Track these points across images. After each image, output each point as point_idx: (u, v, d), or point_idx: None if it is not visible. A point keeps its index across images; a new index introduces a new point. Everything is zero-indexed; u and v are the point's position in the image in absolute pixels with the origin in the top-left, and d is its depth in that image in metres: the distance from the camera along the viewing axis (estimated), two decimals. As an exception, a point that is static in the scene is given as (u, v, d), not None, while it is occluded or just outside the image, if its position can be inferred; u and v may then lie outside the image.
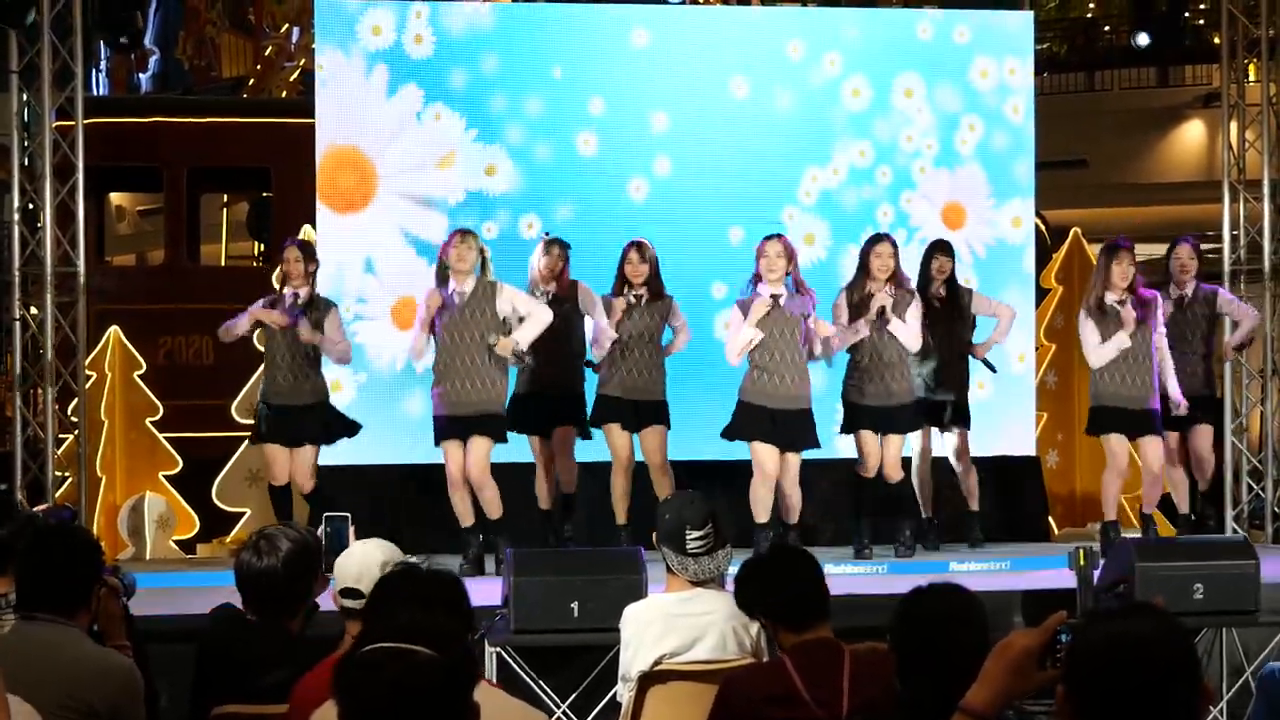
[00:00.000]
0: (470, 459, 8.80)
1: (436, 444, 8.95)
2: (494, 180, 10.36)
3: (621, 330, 9.13)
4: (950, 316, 9.69)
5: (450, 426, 8.82)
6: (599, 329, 9.20)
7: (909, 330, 9.17)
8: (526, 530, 9.24)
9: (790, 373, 8.84)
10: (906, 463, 9.48)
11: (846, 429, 9.33)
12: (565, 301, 9.21)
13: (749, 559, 4.77)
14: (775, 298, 8.80)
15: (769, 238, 8.98)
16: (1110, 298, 9.20)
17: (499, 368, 8.82)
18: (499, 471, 8.98)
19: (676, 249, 9.86)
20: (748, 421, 8.90)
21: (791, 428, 8.86)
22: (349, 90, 10.26)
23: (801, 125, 10.66)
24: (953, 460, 9.91)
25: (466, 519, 8.89)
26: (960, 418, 9.82)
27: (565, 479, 9.36)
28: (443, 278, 8.85)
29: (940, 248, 9.80)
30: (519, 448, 9.39)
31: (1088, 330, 9.27)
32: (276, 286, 9.38)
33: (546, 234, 9.45)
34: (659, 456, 9.14)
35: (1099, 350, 9.21)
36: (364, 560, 4.38)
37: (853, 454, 9.39)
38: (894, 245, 9.26)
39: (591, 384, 9.41)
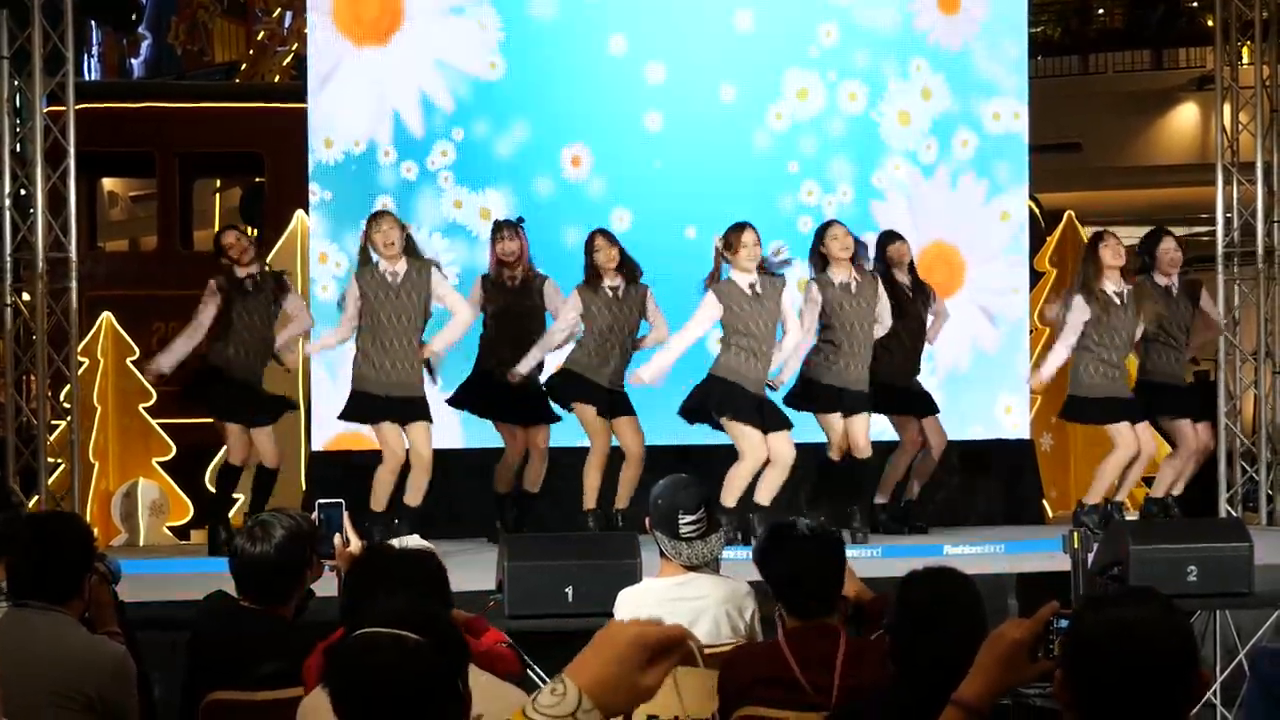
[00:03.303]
0: (420, 445, 8.73)
1: (362, 421, 8.82)
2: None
3: (599, 323, 9.00)
4: (918, 304, 9.65)
5: (384, 406, 8.71)
6: (555, 330, 9.09)
7: (885, 314, 9.23)
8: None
9: (765, 361, 8.81)
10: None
11: (808, 407, 9.19)
12: (531, 291, 9.13)
13: (777, 524, 4.68)
14: (751, 286, 8.72)
15: (740, 227, 8.78)
16: (1109, 286, 9.19)
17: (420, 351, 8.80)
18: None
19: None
20: (729, 397, 8.72)
21: (771, 409, 8.82)
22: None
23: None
24: (935, 447, 9.79)
25: (382, 503, 8.73)
26: (932, 404, 9.80)
27: (534, 477, 9.28)
28: (365, 259, 8.74)
29: (895, 235, 9.74)
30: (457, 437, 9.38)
31: (1077, 315, 9.23)
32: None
33: (496, 220, 9.33)
34: (640, 446, 9.06)
35: (1063, 343, 9.24)
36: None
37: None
38: (845, 227, 9.19)
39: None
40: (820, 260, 9.14)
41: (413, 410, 8.75)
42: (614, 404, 9.08)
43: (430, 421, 8.82)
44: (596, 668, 2.08)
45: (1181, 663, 2.47)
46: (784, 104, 10.50)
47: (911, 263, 9.71)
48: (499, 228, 9.19)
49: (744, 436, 8.77)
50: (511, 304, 9.13)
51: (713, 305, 8.75)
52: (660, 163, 10.35)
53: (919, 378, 9.83)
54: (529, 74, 10.27)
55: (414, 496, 8.78)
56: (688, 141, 10.37)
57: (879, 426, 9.61)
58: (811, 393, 9.18)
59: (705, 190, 10.28)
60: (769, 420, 8.80)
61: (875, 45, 10.64)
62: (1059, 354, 9.36)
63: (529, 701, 2.06)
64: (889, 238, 9.74)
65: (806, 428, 9.37)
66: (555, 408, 9.24)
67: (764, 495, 8.85)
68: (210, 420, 9.70)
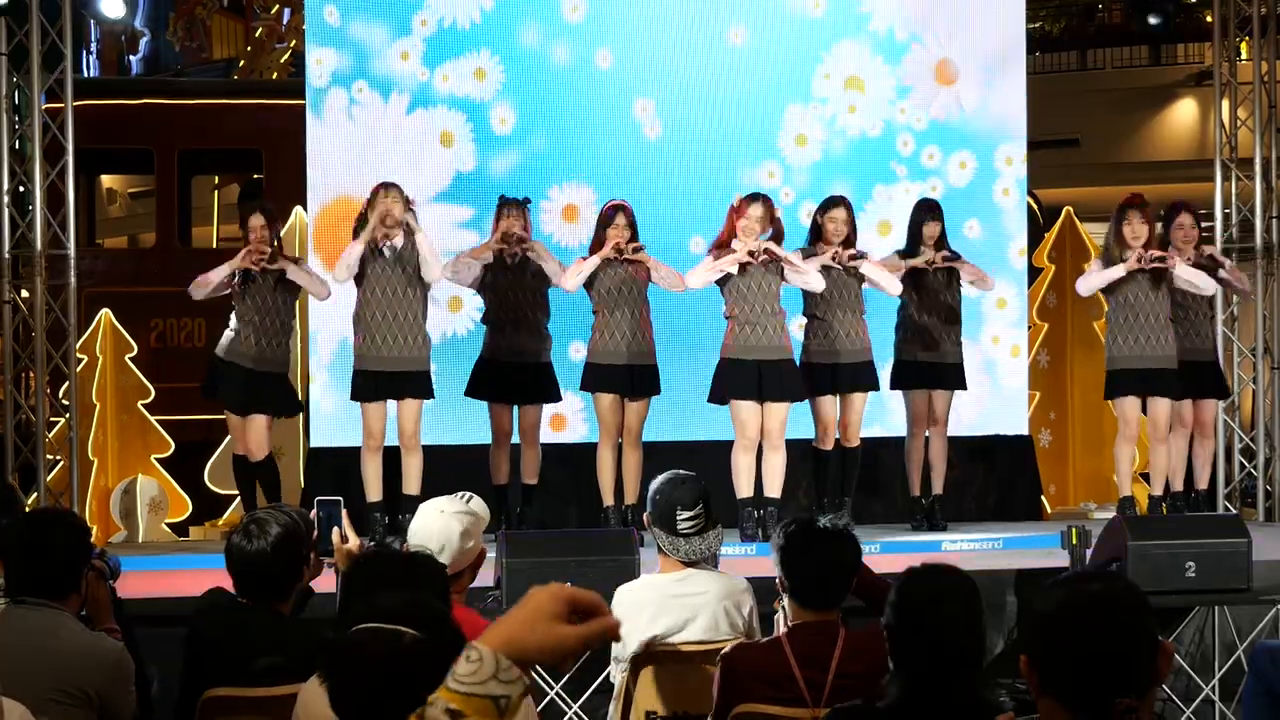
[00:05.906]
0: (403, 421, 8.65)
1: (354, 399, 8.71)
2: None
3: (606, 283, 8.94)
4: (945, 281, 9.53)
5: (372, 384, 8.63)
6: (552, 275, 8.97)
7: (888, 277, 9.16)
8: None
9: (771, 323, 8.77)
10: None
11: (808, 392, 9.11)
12: (529, 268, 9.00)
13: (793, 521, 4.68)
14: (752, 254, 8.69)
15: (751, 198, 8.78)
16: (1127, 255, 9.14)
17: (424, 323, 8.70)
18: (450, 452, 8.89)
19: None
20: (732, 379, 8.74)
21: (776, 378, 8.76)
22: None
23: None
24: (938, 422, 9.56)
25: (375, 492, 8.62)
26: (952, 378, 9.59)
27: (528, 467, 9.14)
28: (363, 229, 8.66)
29: (929, 209, 9.56)
30: (469, 431, 9.34)
31: (1092, 267, 9.20)
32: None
33: (503, 196, 9.19)
34: (639, 427, 9.00)
35: (1086, 279, 9.19)
36: (446, 531, 4.54)
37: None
38: (849, 210, 9.17)
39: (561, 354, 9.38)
40: (816, 231, 9.17)
41: (402, 386, 8.65)
42: (635, 384, 9.02)
43: (427, 398, 8.74)
44: (507, 626, 2.07)
45: (1137, 631, 2.48)
46: (783, 141, 10.47)
47: (940, 239, 9.47)
48: (506, 204, 9.05)
49: (735, 417, 8.79)
50: (512, 280, 9.07)
51: (708, 263, 8.75)
52: (660, 181, 10.30)
53: (947, 352, 9.49)
54: (536, 116, 10.23)
55: (412, 485, 8.64)
56: (687, 163, 10.34)
57: (880, 427, 9.58)
58: (809, 376, 9.14)
59: (709, 208, 10.28)
60: (767, 391, 8.74)
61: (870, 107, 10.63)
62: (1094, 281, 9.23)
63: (449, 676, 2.04)
64: (922, 215, 9.51)
65: (804, 426, 9.37)
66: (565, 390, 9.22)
67: (771, 487, 8.84)
68: (208, 418, 9.69)
